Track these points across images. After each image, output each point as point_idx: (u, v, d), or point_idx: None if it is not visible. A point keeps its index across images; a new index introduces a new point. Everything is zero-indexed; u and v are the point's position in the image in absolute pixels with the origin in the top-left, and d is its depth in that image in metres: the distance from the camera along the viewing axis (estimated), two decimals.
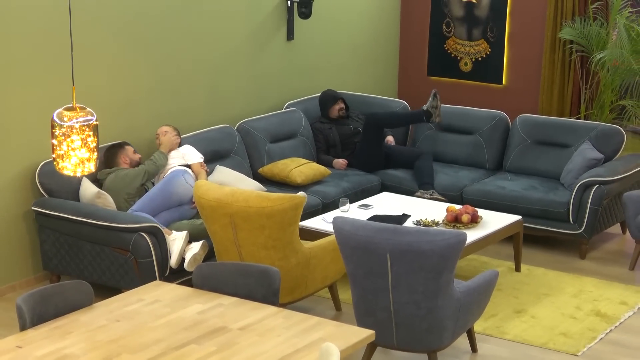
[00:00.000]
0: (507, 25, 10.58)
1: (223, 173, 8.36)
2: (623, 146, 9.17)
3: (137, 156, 8.04)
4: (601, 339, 7.07)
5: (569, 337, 7.06)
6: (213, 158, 8.56)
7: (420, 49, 11.11)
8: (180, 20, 8.67)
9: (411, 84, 11.16)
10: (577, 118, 9.99)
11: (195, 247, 7.31)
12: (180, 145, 8.27)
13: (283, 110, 9.66)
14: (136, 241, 7.22)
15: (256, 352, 4.67)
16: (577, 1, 10.02)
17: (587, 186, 8.56)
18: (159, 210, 7.70)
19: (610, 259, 8.70)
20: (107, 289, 7.07)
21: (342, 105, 9.76)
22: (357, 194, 8.89)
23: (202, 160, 8.21)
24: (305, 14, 9.71)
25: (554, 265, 8.45)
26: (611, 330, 7.22)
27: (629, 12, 9.84)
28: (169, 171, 7.97)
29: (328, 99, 9.76)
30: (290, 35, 9.74)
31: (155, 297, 5.33)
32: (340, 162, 9.45)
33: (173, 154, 8.14)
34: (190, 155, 8.17)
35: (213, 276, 5.46)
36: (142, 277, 7.15)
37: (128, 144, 8.02)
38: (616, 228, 9.28)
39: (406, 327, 6.16)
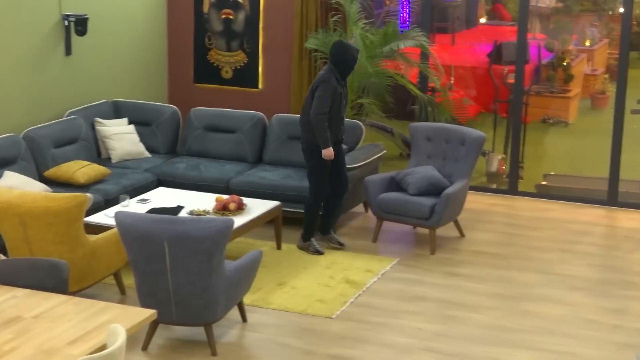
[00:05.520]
0: (260, 38, 10.69)
1: (11, 178, 8.09)
2: (362, 137, 9.46)
3: None
4: (351, 302, 7.29)
5: (324, 303, 7.24)
6: (1, 164, 8.27)
7: (186, 59, 11.08)
8: None
9: (180, 91, 11.11)
10: None
11: None
12: None
13: (65, 118, 9.43)
14: None
15: (49, 336, 4.58)
16: (319, 15, 10.22)
17: None
18: None
19: (357, 234, 8.94)
20: None
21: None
22: (136, 190, 8.80)
23: None
24: (81, 31, 9.50)
25: None
26: (360, 294, 7.45)
27: (363, 24, 10.10)
28: None
29: (351, 55, 8.14)
30: (68, 51, 9.51)
31: None
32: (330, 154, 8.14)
33: None
34: None
35: (6, 271, 5.30)
36: None
37: None
38: (360, 207, 9.56)
39: (184, 305, 6.17)
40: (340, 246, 8.42)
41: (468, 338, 6.71)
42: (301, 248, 8.36)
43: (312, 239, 8.35)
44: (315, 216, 8.38)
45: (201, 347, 6.43)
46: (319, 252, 8.27)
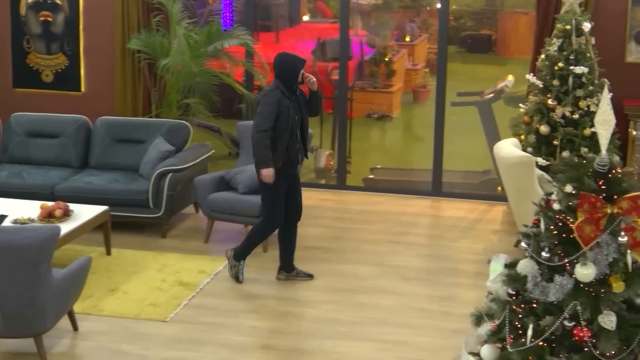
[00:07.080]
0: (81, 39, 10.44)
1: None
2: (190, 138, 9.41)
3: None
4: (185, 304, 7.23)
5: (157, 307, 7.15)
6: None
7: (4, 63, 10.70)
8: None
9: None
10: (150, 117, 10.08)
11: None
12: None
13: None
14: None
15: None
16: (141, 15, 10.07)
17: (162, 175, 8.69)
18: None
19: (188, 235, 8.89)
20: None
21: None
22: None
23: None
24: None
25: (140, 246, 8.50)
26: (193, 296, 7.40)
27: (186, 23, 10.03)
28: None
29: (297, 61, 7.45)
30: None
31: None
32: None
33: None
34: None
35: None
36: None
37: None
38: (190, 208, 9.49)
39: (12, 317, 5.97)
40: (309, 278, 7.85)
41: (304, 333, 6.77)
42: (228, 259, 7.78)
43: (242, 262, 7.70)
44: (259, 241, 7.77)
45: (31, 359, 6.24)
46: (237, 280, 7.67)
